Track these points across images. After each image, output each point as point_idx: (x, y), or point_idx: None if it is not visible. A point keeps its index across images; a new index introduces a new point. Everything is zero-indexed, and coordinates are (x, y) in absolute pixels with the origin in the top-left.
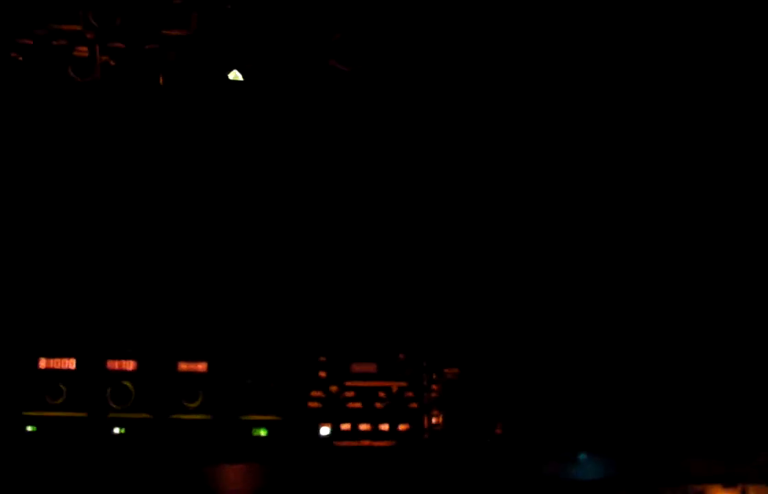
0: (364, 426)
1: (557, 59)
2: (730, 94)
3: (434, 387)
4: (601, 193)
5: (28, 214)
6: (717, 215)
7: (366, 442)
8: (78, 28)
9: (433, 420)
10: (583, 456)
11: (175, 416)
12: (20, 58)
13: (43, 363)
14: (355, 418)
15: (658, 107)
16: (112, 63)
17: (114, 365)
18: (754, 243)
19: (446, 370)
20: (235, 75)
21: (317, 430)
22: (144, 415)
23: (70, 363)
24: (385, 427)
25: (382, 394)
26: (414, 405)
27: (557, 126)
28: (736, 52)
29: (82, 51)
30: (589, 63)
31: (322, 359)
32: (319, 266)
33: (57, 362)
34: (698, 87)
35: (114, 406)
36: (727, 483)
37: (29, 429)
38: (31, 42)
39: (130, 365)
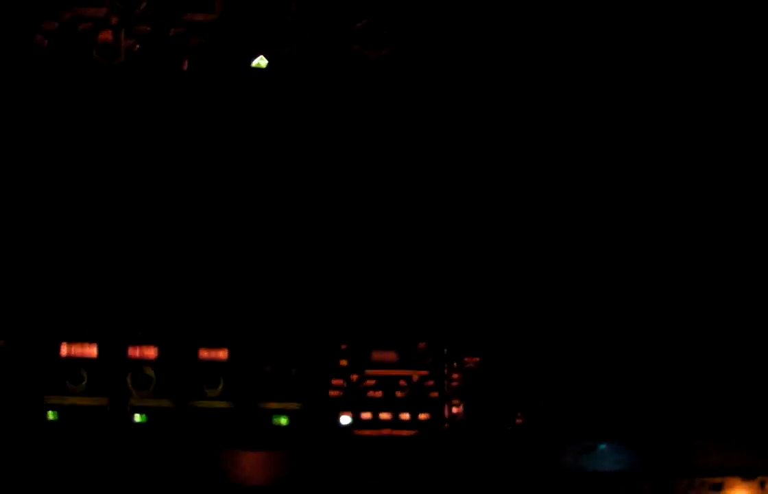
0: (384, 415)
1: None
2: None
3: (455, 376)
4: (622, 185)
5: (51, 201)
6: (724, 210)
7: (386, 431)
8: (103, 12)
9: (454, 410)
10: (602, 446)
11: (195, 403)
12: (46, 43)
13: (64, 350)
14: (375, 407)
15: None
16: (136, 47)
17: (135, 352)
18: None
19: (467, 359)
20: (258, 61)
21: (337, 419)
22: (165, 402)
23: (92, 350)
24: (405, 416)
25: (402, 383)
26: (435, 394)
27: (580, 122)
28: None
29: (107, 35)
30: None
31: (343, 347)
32: (340, 255)
33: (78, 349)
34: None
35: (135, 393)
36: (745, 476)
37: (51, 415)
38: (57, 26)
39: (151, 352)
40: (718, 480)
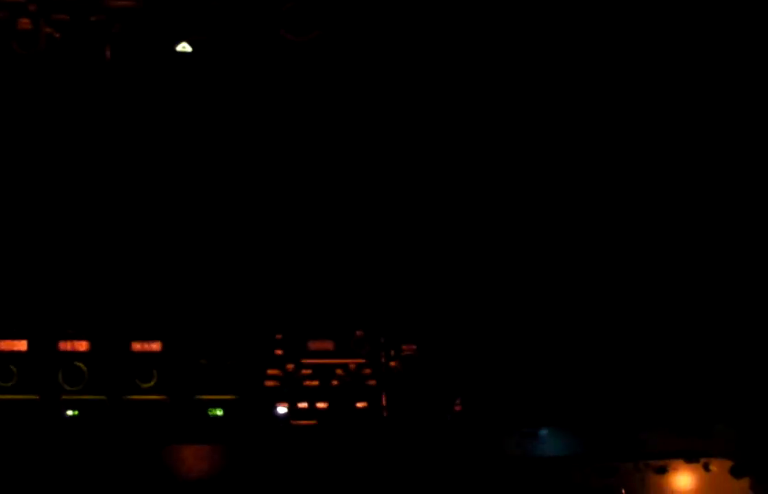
0: (321, 405)
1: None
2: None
3: (392, 364)
4: (556, 173)
5: None
6: (682, 204)
7: (324, 420)
8: (21, 0)
9: (392, 398)
10: (543, 432)
11: (129, 397)
12: None
13: None
14: (312, 397)
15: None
16: (56, 35)
17: (66, 346)
18: (711, 229)
19: (404, 347)
20: (182, 47)
21: (274, 409)
22: (97, 396)
23: (21, 345)
24: (343, 405)
25: (339, 372)
26: (372, 382)
27: (507, 104)
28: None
29: (26, 23)
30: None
31: (279, 336)
32: (274, 242)
33: (7, 344)
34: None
35: (67, 387)
36: (688, 458)
37: None
38: None
39: (82, 345)
40: (662, 463)
